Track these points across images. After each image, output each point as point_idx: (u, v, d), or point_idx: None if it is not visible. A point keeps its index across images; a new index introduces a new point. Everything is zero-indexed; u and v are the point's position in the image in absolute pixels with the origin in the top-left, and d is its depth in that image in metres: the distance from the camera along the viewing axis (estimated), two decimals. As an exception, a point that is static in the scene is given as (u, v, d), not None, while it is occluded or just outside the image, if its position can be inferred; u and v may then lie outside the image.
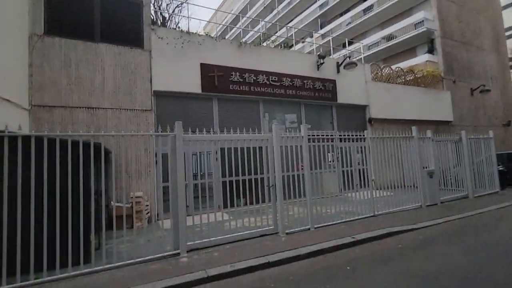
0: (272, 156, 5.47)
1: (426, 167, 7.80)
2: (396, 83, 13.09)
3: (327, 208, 6.17)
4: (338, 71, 11.21)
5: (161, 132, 4.66)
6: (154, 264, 4.08)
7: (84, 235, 3.83)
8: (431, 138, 7.91)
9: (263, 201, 5.46)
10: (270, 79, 9.63)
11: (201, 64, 8.51)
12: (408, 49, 18.47)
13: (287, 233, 5.34)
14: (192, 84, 8.36)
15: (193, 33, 8.74)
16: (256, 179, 5.53)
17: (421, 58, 16.38)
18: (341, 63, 10.97)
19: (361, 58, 13.49)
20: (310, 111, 10.72)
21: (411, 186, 7.40)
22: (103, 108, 7.14)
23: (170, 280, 3.49)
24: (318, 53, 10.71)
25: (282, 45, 24.47)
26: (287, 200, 5.64)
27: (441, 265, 3.72)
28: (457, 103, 15.07)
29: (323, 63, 10.66)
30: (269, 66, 9.69)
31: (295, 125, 10.25)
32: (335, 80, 11.07)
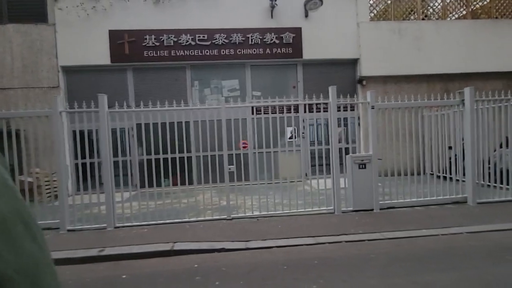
0: (62, 138, 4.47)
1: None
2: (421, 19, 8.53)
3: (218, 200, 5.01)
4: (307, 15, 8.12)
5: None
6: None
7: None
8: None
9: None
10: (197, 38, 7.88)
11: (110, 31, 7.70)
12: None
13: (69, 230, 4.39)
14: (101, 55, 7.72)
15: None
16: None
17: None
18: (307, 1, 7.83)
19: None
20: (260, 74, 8.35)
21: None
22: (13, 88, 7.54)
23: None
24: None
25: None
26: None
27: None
28: None
29: (276, 5, 7.88)
30: (197, 22, 7.89)
31: (237, 93, 8.26)
32: (300, 28, 8.11)
